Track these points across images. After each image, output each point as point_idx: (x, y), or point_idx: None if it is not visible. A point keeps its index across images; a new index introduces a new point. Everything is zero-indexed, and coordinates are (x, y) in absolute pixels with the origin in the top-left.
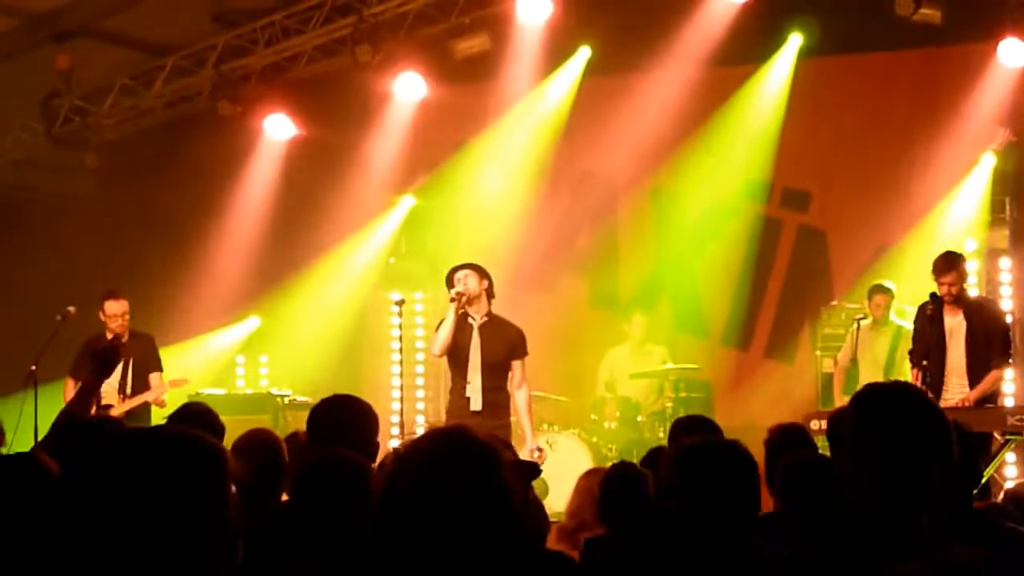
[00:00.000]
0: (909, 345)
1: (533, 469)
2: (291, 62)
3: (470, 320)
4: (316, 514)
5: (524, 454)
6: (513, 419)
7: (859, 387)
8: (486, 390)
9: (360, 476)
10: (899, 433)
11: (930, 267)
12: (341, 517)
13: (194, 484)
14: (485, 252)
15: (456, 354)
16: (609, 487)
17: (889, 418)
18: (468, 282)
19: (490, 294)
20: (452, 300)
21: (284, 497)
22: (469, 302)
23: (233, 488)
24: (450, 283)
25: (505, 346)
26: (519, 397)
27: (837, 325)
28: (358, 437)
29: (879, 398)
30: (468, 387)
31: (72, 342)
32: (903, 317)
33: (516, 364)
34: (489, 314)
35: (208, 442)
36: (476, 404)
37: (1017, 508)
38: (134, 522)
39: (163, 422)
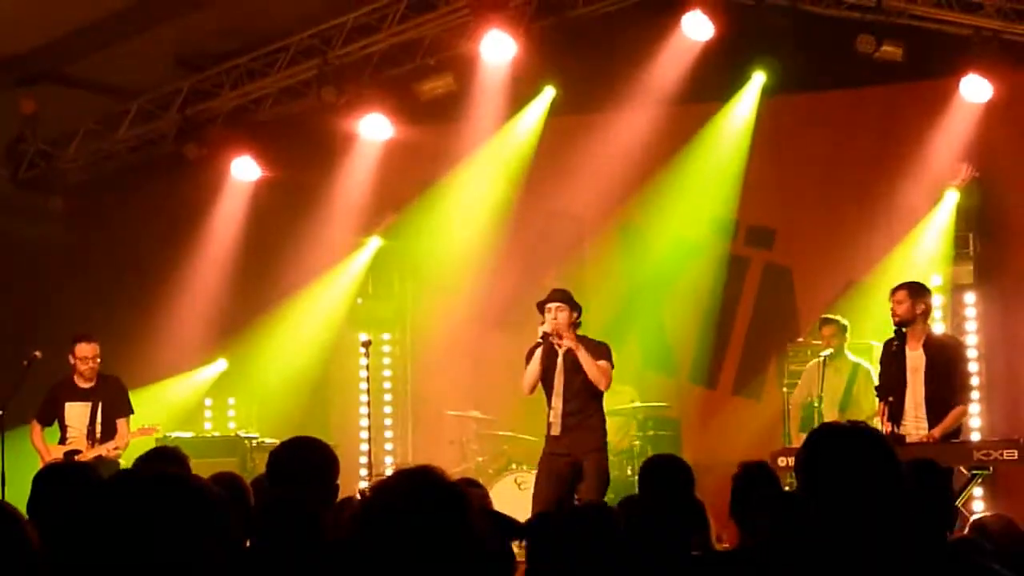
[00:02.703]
0: (866, 382)
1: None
2: (256, 104)
3: (556, 347)
4: (270, 556)
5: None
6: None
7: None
8: (567, 415)
9: (310, 516)
10: (849, 473)
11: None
12: (293, 558)
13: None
14: (452, 292)
15: (545, 381)
16: (578, 528)
17: (839, 458)
18: (559, 317)
19: (577, 323)
20: (540, 340)
21: None
22: (559, 336)
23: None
24: (542, 310)
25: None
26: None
27: (803, 361)
28: (317, 479)
29: (830, 438)
30: (551, 412)
31: (39, 387)
32: (863, 355)
33: (601, 364)
34: (576, 338)
35: (195, 484)
36: (556, 429)
37: (985, 538)
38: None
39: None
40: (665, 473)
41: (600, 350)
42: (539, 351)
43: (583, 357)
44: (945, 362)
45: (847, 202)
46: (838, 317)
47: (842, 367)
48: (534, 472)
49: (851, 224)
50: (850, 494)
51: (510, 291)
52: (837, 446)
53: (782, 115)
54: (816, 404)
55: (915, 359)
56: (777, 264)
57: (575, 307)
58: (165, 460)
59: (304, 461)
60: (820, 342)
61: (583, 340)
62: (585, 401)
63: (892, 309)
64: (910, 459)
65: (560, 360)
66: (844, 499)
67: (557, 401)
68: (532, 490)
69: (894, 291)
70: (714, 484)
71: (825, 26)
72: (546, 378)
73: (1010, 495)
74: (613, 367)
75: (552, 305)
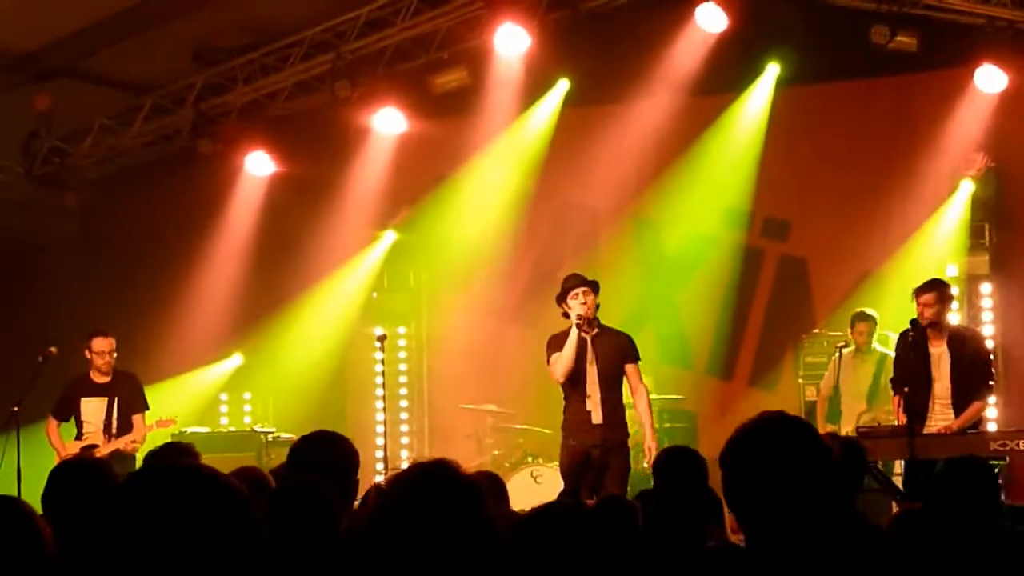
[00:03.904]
0: (891, 372)
1: None
2: (270, 99)
3: (583, 335)
4: (286, 545)
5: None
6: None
7: (842, 415)
8: (604, 402)
9: (325, 505)
10: (774, 461)
11: (911, 294)
12: (308, 548)
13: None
14: (467, 286)
15: (573, 368)
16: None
17: (764, 445)
18: (588, 300)
19: (597, 305)
20: (577, 325)
21: None
22: (588, 322)
23: None
24: (563, 297)
25: (618, 355)
26: (639, 401)
27: (819, 353)
28: (337, 473)
29: (753, 427)
30: (588, 401)
31: (54, 383)
32: (885, 344)
33: (629, 369)
34: (599, 325)
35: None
36: (597, 417)
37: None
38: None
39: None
40: (680, 464)
41: (625, 344)
42: (573, 337)
43: (644, 414)
44: (970, 356)
45: (862, 193)
46: (872, 312)
47: (868, 358)
48: (550, 465)
49: (866, 215)
50: (772, 485)
51: (525, 284)
52: (759, 434)
53: (797, 106)
54: (831, 395)
55: (939, 354)
56: (792, 255)
57: (597, 289)
58: (178, 455)
59: (325, 455)
60: (849, 335)
61: (605, 329)
62: (617, 390)
63: (920, 312)
64: (947, 458)
65: (590, 348)
66: (767, 491)
67: (594, 389)
68: (550, 483)
69: (921, 292)
70: None
71: (839, 16)
72: (576, 367)
73: None
74: (639, 359)
75: (579, 289)
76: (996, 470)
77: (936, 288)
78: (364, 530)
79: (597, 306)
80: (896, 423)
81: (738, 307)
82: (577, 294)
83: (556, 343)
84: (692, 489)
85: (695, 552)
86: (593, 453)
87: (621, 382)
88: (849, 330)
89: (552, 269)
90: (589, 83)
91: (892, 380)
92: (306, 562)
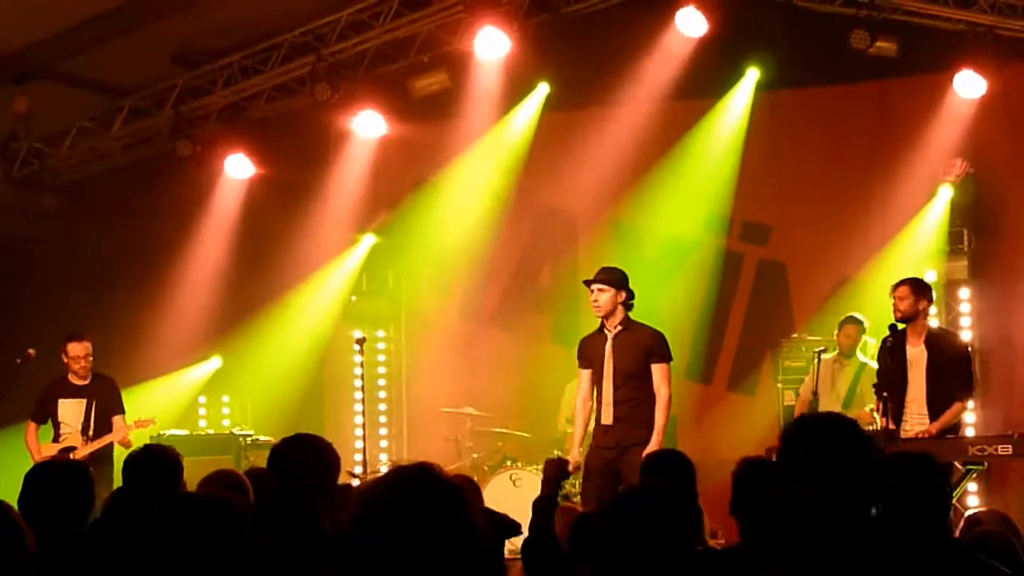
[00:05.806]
0: (871, 379)
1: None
2: (250, 102)
3: (604, 331)
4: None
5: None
6: None
7: None
8: (618, 402)
9: (310, 509)
10: (824, 462)
11: (889, 294)
12: (292, 551)
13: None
14: (446, 289)
15: (594, 367)
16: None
17: (815, 447)
18: (600, 299)
19: (627, 305)
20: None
21: None
22: (606, 316)
23: None
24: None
25: (639, 352)
26: (656, 404)
27: (798, 357)
28: (318, 477)
29: (805, 427)
30: (602, 400)
31: (33, 385)
32: (864, 350)
33: (653, 369)
34: (624, 322)
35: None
36: (607, 418)
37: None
38: None
39: (121, 463)
40: (668, 467)
41: (648, 341)
42: (587, 376)
43: (656, 418)
44: (949, 356)
45: (841, 198)
46: (862, 318)
47: (849, 363)
48: (529, 469)
49: (846, 220)
50: (826, 481)
51: (504, 288)
52: (813, 435)
53: (776, 111)
54: (810, 400)
55: (916, 355)
56: (772, 260)
57: (621, 287)
58: (163, 458)
59: (306, 458)
60: (835, 338)
61: (635, 325)
62: (637, 389)
63: (894, 304)
64: (905, 452)
65: (609, 346)
66: (820, 486)
67: (607, 389)
68: (528, 486)
69: (896, 287)
70: (709, 480)
71: (819, 22)
72: (596, 364)
73: (1004, 489)
74: (671, 359)
75: (594, 286)
76: (974, 474)
77: (909, 283)
78: (344, 534)
79: (630, 306)
80: (876, 428)
81: (717, 311)
82: (592, 290)
83: (584, 349)
84: (678, 492)
85: (682, 556)
86: (605, 455)
87: (644, 380)
88: (836, 332)
89: (531, 273)
90: (569, 87)
91: (875, 386)
92: (298, 564)
